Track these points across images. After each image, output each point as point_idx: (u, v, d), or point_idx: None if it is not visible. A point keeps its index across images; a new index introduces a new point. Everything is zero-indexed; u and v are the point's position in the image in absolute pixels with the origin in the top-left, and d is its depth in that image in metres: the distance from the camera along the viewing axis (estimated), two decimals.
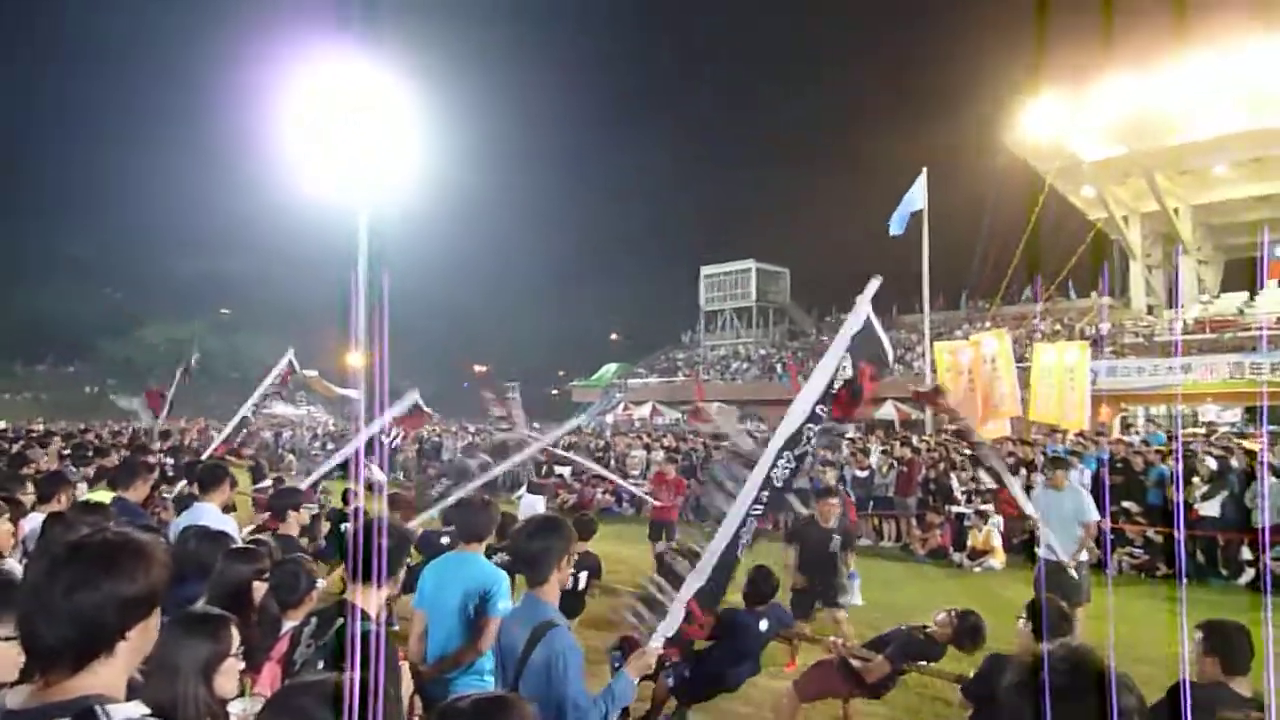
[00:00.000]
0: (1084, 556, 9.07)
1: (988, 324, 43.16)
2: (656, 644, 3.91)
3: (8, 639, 2.06)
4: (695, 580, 4.09)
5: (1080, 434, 20.32)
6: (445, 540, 6.56)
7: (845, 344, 4.37)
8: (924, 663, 5.76)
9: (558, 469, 22.48)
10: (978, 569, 14.17)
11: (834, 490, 8.10)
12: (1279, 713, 3.31)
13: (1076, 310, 44.26)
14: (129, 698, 1.78)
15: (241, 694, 2.45)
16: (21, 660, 1.93)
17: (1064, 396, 22.24)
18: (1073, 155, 41.02)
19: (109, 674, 1.75)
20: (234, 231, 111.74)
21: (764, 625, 6.25)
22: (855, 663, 5.92)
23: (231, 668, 2.42)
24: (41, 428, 28.47)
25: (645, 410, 49.68)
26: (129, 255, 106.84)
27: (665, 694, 6.44)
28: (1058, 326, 40.84)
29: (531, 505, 13.02)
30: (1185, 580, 13.01)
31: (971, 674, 5.03)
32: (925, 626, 5.82)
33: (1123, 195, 43.53)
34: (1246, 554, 13.08)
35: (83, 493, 6.91)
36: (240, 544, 4.06)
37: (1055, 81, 40.30)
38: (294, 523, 6.04)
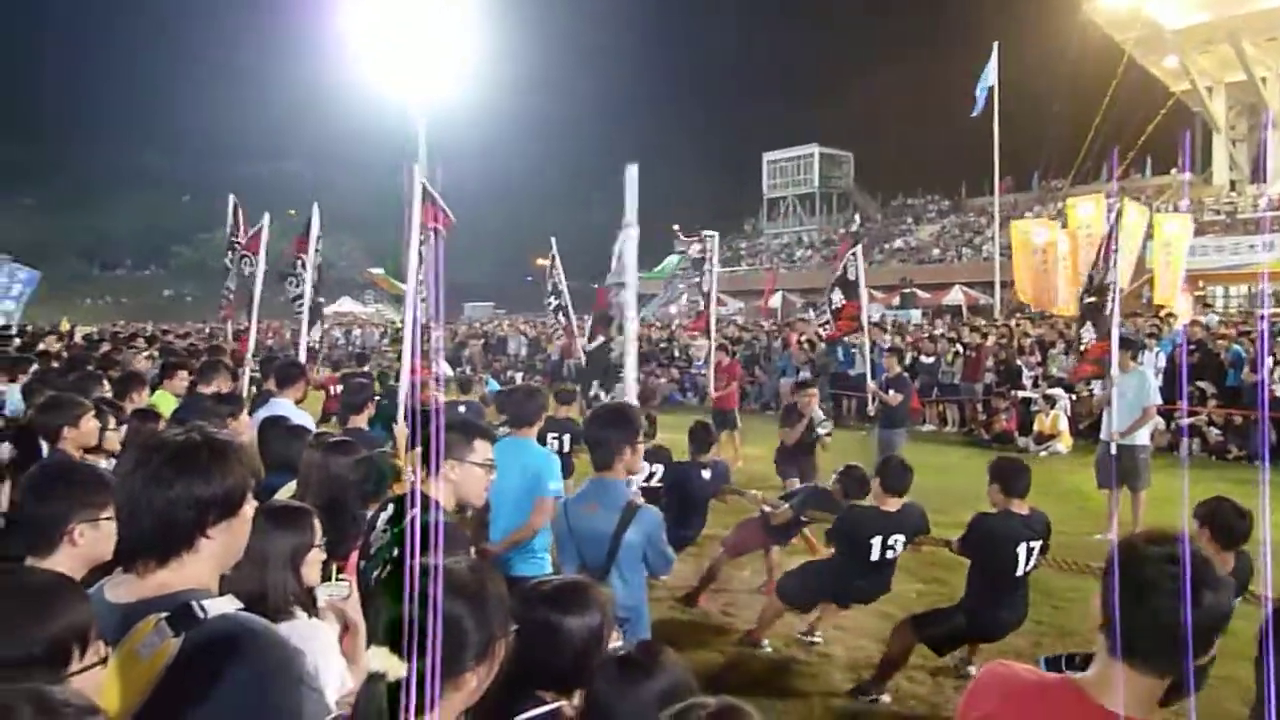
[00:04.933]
0: (1145, 440, 9.01)
1: (1060, 204, 41.89)
2: (634, 491, 4.16)
3: (109, 519, 2.22)
4: None
5: (1157, 314, 19.77)
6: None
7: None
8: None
9: None
10: (1043, 453, 14.08)
11: (810, 382, 10.16)
12: None
13: (1154, 188, 42.53)
14: (221, 591, 1.86)
15: (327, 579, 2.58)
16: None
17: (1159, 273, 21.34)
18: (1153, 23, 38.82)
19: (196, 570, 1.82)
20: (297, 133, 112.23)
21: (706, 475, 7.00)
22: (767, 508, 6.92)
23: (316, 558, 2.55)
24: (124, 330, 29.46)
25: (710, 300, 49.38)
26: (197, 161, 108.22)
27: None
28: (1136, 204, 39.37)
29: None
30: (1262, 462, 12.80)
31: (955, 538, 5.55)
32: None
33: (1206, 65, 41.20)
34: None
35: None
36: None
37: None
38: (363, 417, 6.23)
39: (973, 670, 5.58)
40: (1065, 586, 6.60)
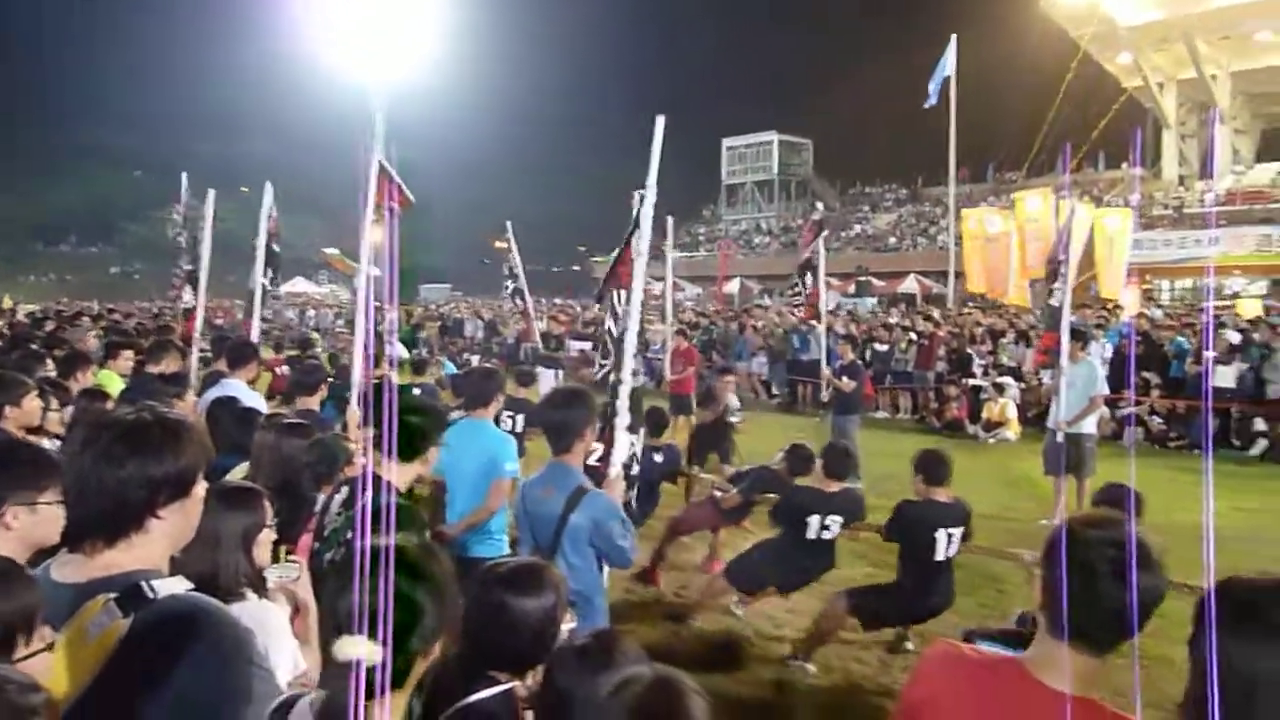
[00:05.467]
0: (1091, 429, 9.22)
1: (1014, 196, 42.48)
2: (616, 471, 4.17)
3: (56, 502, 2.16)
4: (624, 416, 4.39)
5: (1104, 306, 20.19)
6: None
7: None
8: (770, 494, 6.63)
9: (575, 345, 22.59)
10: (992, 440, 14.34)
11: (730, 369, 11.44)
12: None
13: (1105, 181, 43.25)
14: (172, 571, 1.83)
15: (276, 560, 2.56)
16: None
17: (1103, 267, 21.78)
18: (1109, 19, 39.37)
19: (147, 550, 1.79)
20: (253, 112, 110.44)
21: (659, 458, 7.31)
22: (718, 494, 7.19)
23: (266, 538, 2.53)
24: (68, 308, 28.78)
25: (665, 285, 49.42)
26: (153, 138, 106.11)
27: None
28: (1085, 198, 39.99)
29: (547, 379, 13.19)
30: (1201, 451, 13.13)
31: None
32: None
33: (1160, 61, 41.88)
34: (1260, 425, 13.19)
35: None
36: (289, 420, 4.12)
37: None
38: (315, 399, 6.19)
39: (909, 646, 5.86)
40: (1009, 570, 6.74)
